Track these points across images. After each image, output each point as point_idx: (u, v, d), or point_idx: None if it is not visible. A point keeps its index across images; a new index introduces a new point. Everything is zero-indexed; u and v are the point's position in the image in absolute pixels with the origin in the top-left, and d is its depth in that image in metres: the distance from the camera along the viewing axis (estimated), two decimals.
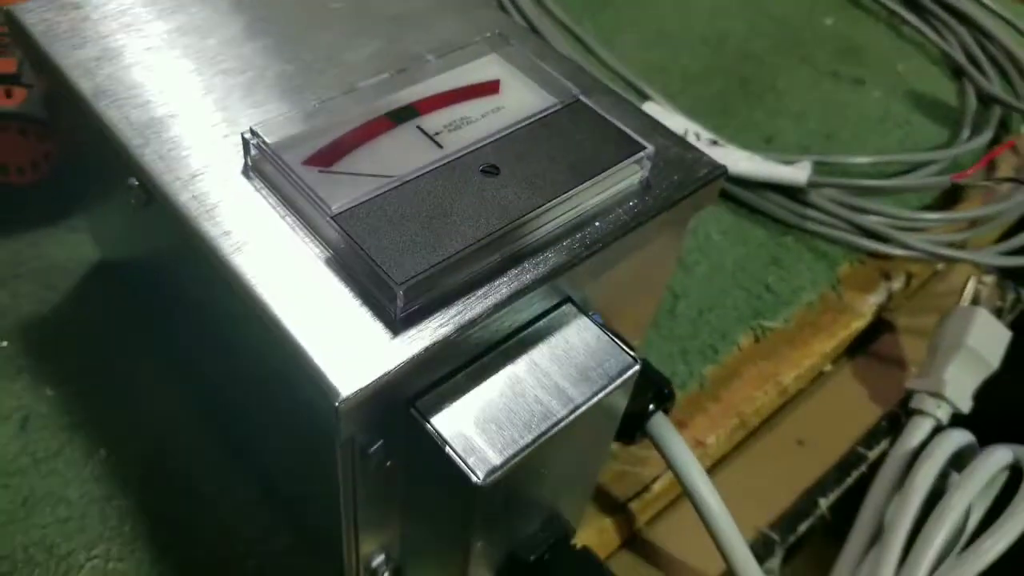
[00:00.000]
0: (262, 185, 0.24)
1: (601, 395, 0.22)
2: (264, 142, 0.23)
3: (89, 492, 0.30)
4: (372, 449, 0.22)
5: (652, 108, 0.43)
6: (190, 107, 0.25)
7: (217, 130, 0.25)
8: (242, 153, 0.24)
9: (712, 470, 0.36)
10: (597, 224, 0.24)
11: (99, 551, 0.28)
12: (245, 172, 0.24)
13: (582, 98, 0.26)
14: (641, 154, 0.24)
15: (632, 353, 0.23)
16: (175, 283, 0.29)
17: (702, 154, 0.26)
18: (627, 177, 0.25)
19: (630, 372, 0.23)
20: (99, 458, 0.30)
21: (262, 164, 0.24)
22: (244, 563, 0.29)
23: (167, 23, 0.28)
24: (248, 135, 0.24)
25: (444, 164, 0.24)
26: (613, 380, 0.23)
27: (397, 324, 0.21)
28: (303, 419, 0.23)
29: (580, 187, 0.23)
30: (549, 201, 0.23)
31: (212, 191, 0.23)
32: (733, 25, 0.54)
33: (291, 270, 0.21)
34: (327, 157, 0.24)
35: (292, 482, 0.28)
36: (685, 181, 0.25)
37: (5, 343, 0.33)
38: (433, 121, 0.25)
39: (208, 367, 0.30)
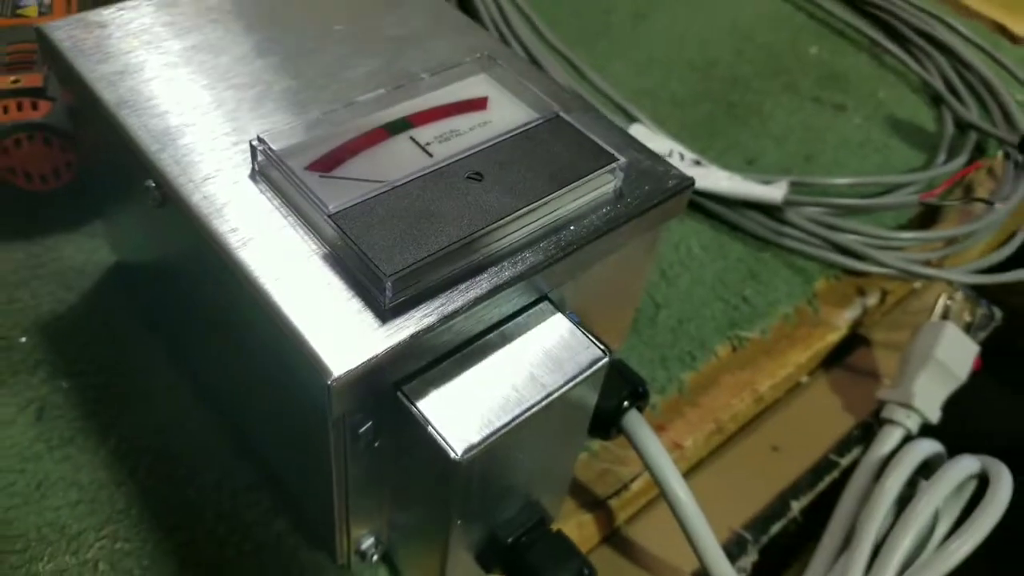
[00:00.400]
0: (267, 188, 0.26)
1: (572, 384, 0.24)
2: (270, 148, 0.26)
3: (99, 478, 0.32)
4: (362, 430, 0.24)
5: (639, 129, 0.46)
6: (203, 117, 0.28)
7: (227, 138, 0.27)
8: (250, 159, 0.26)
9: (689, 473, 0.38)
10: (572, 228, 0.26)
11: (107, 532, 0.30)
12: (252, 176, 0.26)
13: (562, 114, 0.28)
14: (614, 165, 0.27)
15: (602, 347, 0.25)
16: (184, 282, 0.31)
17: (671, 167, 0.28)
18: (601, 186, 0.27)
19: (600, 364, 0.25)
20: (109, 446, 0.32)
21: (268, 169, 0.26)
22: (242, 545, 0.31)
23: (184, 41, 0.31)
24: (256, 142, 0.26)
25: (433, 171, 0.26)
26: (584, 371, 0.25)
27: (386, 313, 0.23)
28: (299, 403, 0.25)
29: (556, 193, 0.25)
30: (527, 205, 0.25)
31: (221, 192, 0.25)
32: (721, 53, 0.57)
33: (291, 264, 0.24)
34: (327, 163, 0.26)
35: (289, 467, 0.30)
36: (655, 191, 0.28)
37: (24, 339, 0.35)
38: (425, 133, 0.27)
39: (213, 361, 0.32)
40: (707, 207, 0.45)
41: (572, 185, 0.26)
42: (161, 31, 0.31)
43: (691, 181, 0.29)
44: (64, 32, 0.31)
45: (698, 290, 0.41)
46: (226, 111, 0.28)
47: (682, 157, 0.45)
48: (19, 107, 0.36)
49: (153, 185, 0.26)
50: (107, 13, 0.32)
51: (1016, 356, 0.52)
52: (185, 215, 0.25)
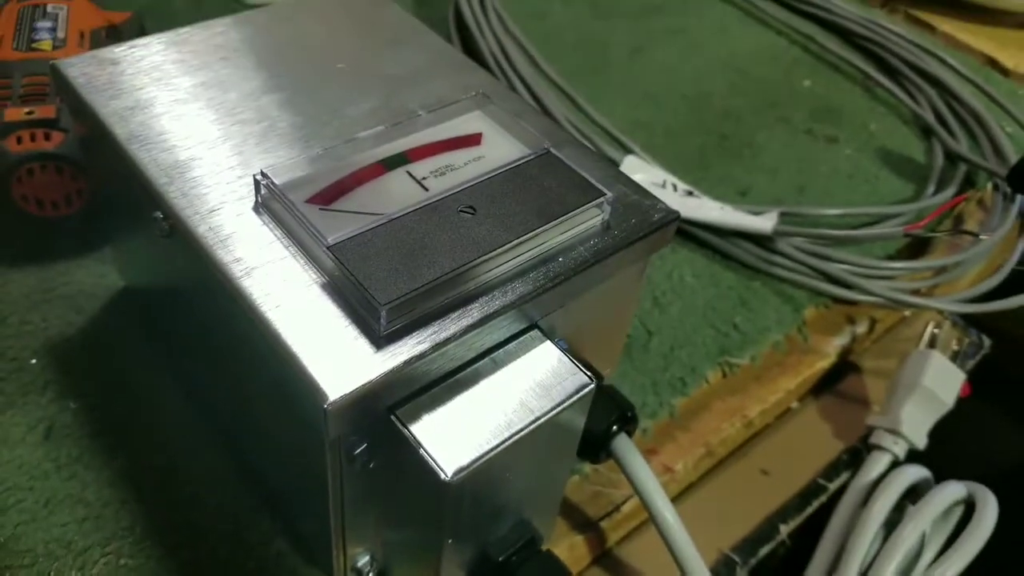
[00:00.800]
0: (270, 219, 0.27)
1: (559, 409, 0.25)
2: (272, 183, 0.27)
3: (105, 495, 0.33)
4: (357, 451, 0.25)
5: (634, 161, 0.47)
6: (210, 151, 0.29)
7: (233, 172, 0.28)
8: (253, 192, 0.27)
9: (679, 496, 0.39)
10: (560, 259, 0.27)
11: (112, 549, 0.31)
12: (255, 208, 0.27)
13: (552, 150, 0.29)
14: (601, 199, 0.28)
15: (589, 374, 0.26)
16: (188, 307, 0.32)
17: (657, 201, 0.30)
18: (589, 219, 0.28)
19: (586, 390, 0.26)
20: (115, 466, 0.33)
21: (270, 202, 0.27)
22: (245, 565, 0.31)
23: (193, 78, 0.32)
24: (259, 176, 0.27)
25: (428, 204, 0.27)
26: (571, 396, 0.26)
27: (381, 340, 0.24)
28: (298, 426, 0.26)
29: (545, 227, 0.27)
30: (518, 238, 0.26)
31: (226, 224, 0.27)
32: (715, 86, 0.58)
33: (291, 292, 0.25)
34: (327, 197, 0.27)
35: (288, 488, 0.31)
36: (641, 224, 0.29)
37: (34, 360, 0.36)
38: (421, 168, 0.29)
39: (216, 383, 0.33)
40: (700, 237, 0.46)
41: (561, 219, 0.27)
42: (171, 68, 0.33)
43: (676, 214, 0.30)
44: (78, 69, 0.32)
45: (690, 317, 0.42)
46: (232, 145, 0.30)
47: (675, 188, 0.46)
48: (32, 138, 0.37)
49: (161, 216, 0.27)
50: (119, 51, 0.33)
51: (1005, 383, 0.53)
52: (191, 245, 0.26)
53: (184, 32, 0.35)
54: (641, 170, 0.47)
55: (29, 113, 0.38)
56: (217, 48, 0.34)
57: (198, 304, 0.30)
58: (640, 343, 0.41)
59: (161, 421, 0.35)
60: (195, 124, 0.30)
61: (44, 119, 0.38)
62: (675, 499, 0.38)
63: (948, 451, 0.42)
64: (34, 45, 0.42)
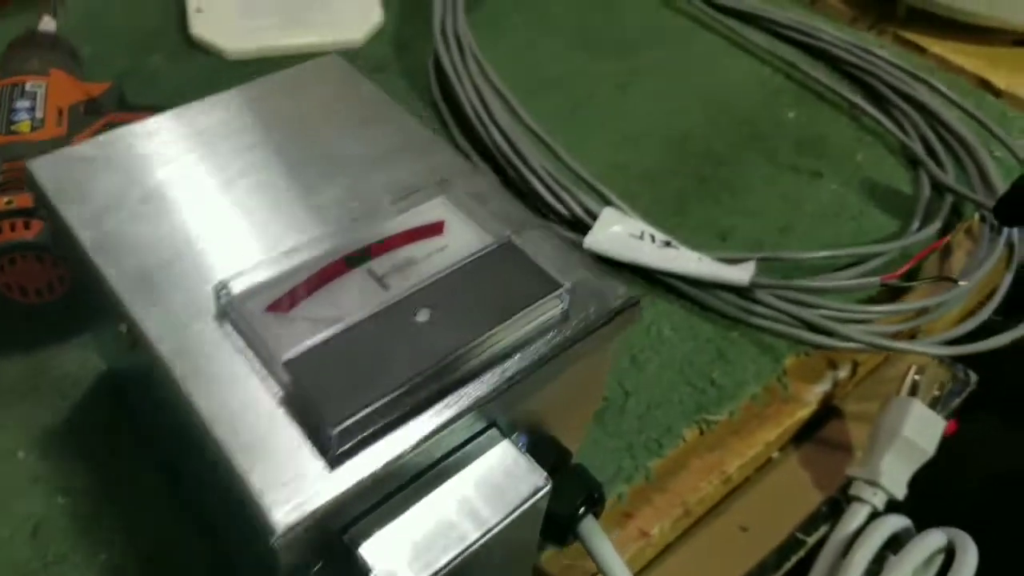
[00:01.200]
0: (231, 330, 0.27)
1: (513, 516, 0.26)
2: (230, 294, 0.27)
3: None
4: (313, 571, 0.25)
5: (611, 213, 0.47)
6: (176, 257, 0.29)
7: (198, 276, 0.29)
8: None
9: (657, 559, 0.39)
10: (517, 357, 0.27)
11: None
12: (217, 318, 0.28)
13: (513, 238, 0.30)
14: (560, 290, 0.28)
15: (545, 474, 0.27)
16: (157, 407, 0.32)
17: (618, 284, 0.30)
18: (547, 312, 0.28)
19: (542, 492, 0.26)
20: (101, 560, 0.34)
21: (230, 311, 0.28)
22: None
23: (163, 172, 0.33)
24: (218, 286, 0.28)
25: (386, 307, 0.27)
26: (526, 501, 0.26)
27: (334, 460, 0.24)
28: (256, 543, 0.26)
29: (501, 326, 0.27)
30: (473, 340, 0.26)
31: (189, 337, 0.27)
32: (694, 124, 0.57)
33: (248, 410, 0.25)
34: (286, 303, 0.28)
35: None
36: (601, 311, 0.29)
37: (22, 454, 0.37)
38: (382, 264, 0.29)
39: (188, 484, 0.34)
40: (678, 288, 0.46)
41: (518, 315, 0.27)
42: (141, 164, 0.33)
43: (636, 299, 0.30)
44: (47, 172, 0.32)
45: (667, 374, 0.43)
46: (198, 250, 0.30)
47: (653, 239, 0.46)
48: (12, 227, 0.38)
49: (125, 330, 0.28)
50: (89, 146, 0.34)
51: (993, 403, 0.52)
52: (152, 357, 0.27)
53: (155, 121, 0.35)
54: (619, 222, 0.47)
55: (8, 203, 0.38)
56: (188, 136, 0.35)
57: (164, 408, 0.31)
58: (617, 405, 0.41)
59: (145, 513, 0.35)
60: (162, 226, 0.31)
61: (23, 209, 0.38)
62: (652, 562, 0.39)
63: (928, 498, 0.42)
64: (13, 127, 0.42)
